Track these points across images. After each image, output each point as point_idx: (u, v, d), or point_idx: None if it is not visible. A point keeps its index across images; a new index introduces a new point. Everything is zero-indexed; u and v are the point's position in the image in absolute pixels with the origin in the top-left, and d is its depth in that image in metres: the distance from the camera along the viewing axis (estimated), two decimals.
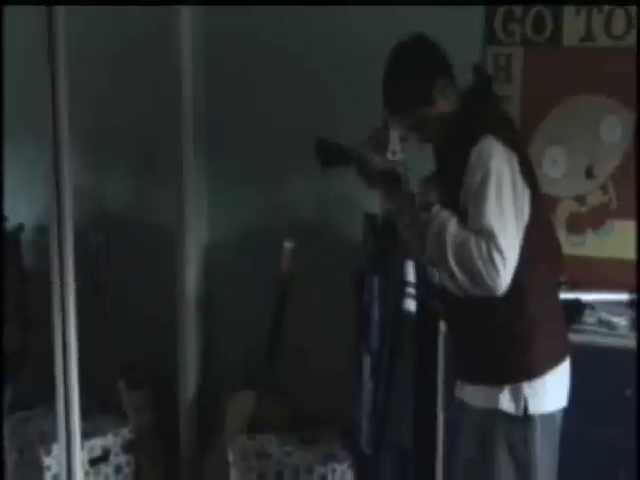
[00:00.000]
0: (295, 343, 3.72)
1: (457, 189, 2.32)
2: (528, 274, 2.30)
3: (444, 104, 2.46)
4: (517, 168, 2.31)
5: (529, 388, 2.36)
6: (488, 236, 2.22)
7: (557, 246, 2.58)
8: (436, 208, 2.34)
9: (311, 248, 3.67)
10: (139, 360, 3.92)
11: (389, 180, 2.53)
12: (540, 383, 2.37)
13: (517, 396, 2.36)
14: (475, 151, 2.28)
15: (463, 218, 2.31)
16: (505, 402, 2.37)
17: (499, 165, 2.27)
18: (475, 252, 2.22)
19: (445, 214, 2.32)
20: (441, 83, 2.45)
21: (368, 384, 3.36)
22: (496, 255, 2.20)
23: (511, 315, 2.35)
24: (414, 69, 2.48)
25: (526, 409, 2.36)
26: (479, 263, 2.21)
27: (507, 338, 2.37)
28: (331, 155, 2.65)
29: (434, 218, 2.33)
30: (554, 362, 2.42)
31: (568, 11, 3.38)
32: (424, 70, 2.48)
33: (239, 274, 3.95)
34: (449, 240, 2.27)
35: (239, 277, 3.95)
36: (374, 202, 3.34)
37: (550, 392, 2.40)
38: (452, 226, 2.29)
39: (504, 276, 2.21)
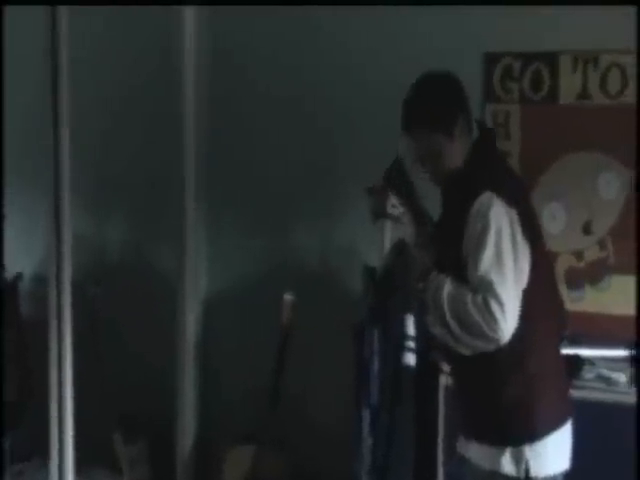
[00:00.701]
0: (295, 396, 3.69)
1: (459, 240, 2.33)
2: (529, 333, 2.29)
3: (459, 145, 2.44)
4: (517, 223, 2.32)
5: (531, 451, 2.33)
6: (485, 287, 2.22)
7: (560, 302, 2.57)
8: (433, 275, 2.36)
9: (311, 300, 3.66)
10: (136, 412, 3.88)
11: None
12: (542, 445, 2.34)
13: (519, 459, 2.34)
14: (476, 205, 2.30)
15: (464, 272, 2.32)
16: (506, 464, 2.34)
17: (498, 219, 2.28)
18: (471, 305, 2.22)
19: (441, 277, 2.34)
20: (463, 121, 2.46)
21: (368, 438, 3.33)
22: (494, 305, 2.20)
23: (513, 375, 2.34)
24: (447, 93, 2.48)
25: (527, 472, 2.33)
26: (476, 316, 2.21)
27: (509, 399, 2.34)
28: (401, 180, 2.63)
29: (431, 283, 2.34)
30: (556, 424, 2.39)
31: (564, 69, 3.45)
32: (456, 98, 2.48)
33: (239, 325, 3.94)
34: (445, 299, 2.29)
35: (239, 328, 3.94)
36: (374, 254, 3.37)
37: (552, 455, 2.37)
38: (448, 286, 2.30)
39: (505, 325, 2.20)
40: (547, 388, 2.37)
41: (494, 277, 2.23)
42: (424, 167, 2.51)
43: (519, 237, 2.31)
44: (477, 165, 2.43)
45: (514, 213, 2.31)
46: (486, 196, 2.30)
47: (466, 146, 2.46)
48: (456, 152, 2.45)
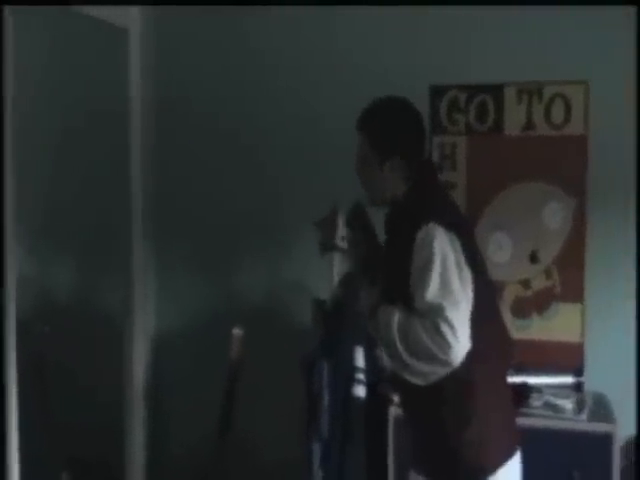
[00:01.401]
0: (245, 430, 3.65)
1: (405, 272, 2.33)
2: (473, 368, 2.28)
3: (393, 176, 2.46)
4: (460, 251, 2.33)
5: None
6: (434, 311, 2.22)
7: (505, 332, 2.55)
8: (381, 309, 2.37)
9: (261, 334, 3.64)
10: (85, 453, 3.82)
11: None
12: (493, 479, 2.34)
13: None
14: (420, 235, 2.31)
15: (412, 303, 2.33)
16: None
17: (442, 247, 2.29)
18: (421, 331, 2.23)
19: (389, 309, 2.35)
20: (416, 145, 2.49)
21: (319, 472, 3.31)
22: (444, 327, 2.20)
23: (461, 407, 2.33)
24: (405, 114, 2.49)
25: None
26: (427, 341, 2.21)
27: (459, 432, 2.33)
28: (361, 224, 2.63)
29: (380, 316, 2.36)
30: (507, 455, 2.39)
31: (509, 100, 3.49)
32: (414, 120, 2.50)
33: (188, 362, 3.91)
34: (395, 329, 2.29)
35: (188, 365, 3.91)
36: (323, 287, 3.37)
37: None
38: (397, 316, 2.31)
39: (457, 345, 2.20)
40: (496, 419, 2.36)
41: (442, 300, 2.24)
42: (360, 178, 2.52)
43: (463, 263, 2.32)
44: (419, 197, 2.44)
45: (457, 242, 2.33)
46: (429, 227, 2.31)
47: (403, 178, 2.47)
48: (388, 181, 2.47)
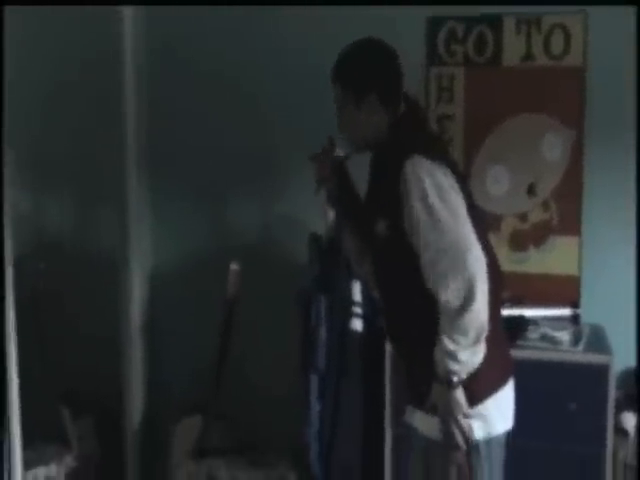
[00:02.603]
0: (242, 364, 3.68)
1: (393, 208, 2.32)
2: None
3: (371, 117, 2.44)
4: (451, 178, 2.32)
5: (472, 413, 2.32)
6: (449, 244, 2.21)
7: (497, 266, 2.51)
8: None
9: (257, 269, 3.64)
10: (83, 387, 3.85)
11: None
12: (483, 409, 2.35)
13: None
14: (405, 173, 2.28)
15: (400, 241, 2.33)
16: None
17: (432, 179, 2.27)
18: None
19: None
20: (379, 95, 2.44)
21: (316, 404, 3.35)
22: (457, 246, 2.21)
23: None
24: (369, 65, 2.47)
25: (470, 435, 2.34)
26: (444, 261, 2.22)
27: None
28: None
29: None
30: (496, 387, 2.39)
31: (508, 31, 3.44)
32: (376, 72, 2.47)
33: (184, 298, 3.92)
34: None
35: (185, 301, 3.91)
36: (319, 222, 3.35)
37: (492, 417, 2.37)
38: None
39: (472, 251, 2.21)
40: (488, 348, 2.32)
41: (452, 225, 2.23)
42: (340, 129, 2.51)
43: (457, 188, 2.32)
44: (403, 134, 2.42)
45: (447, 171, 2.32)
46: (415, 160, 2.29)
47: (384, 119, 2.44)
48: (368, 124, 2.45)
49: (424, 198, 2.25)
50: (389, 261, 2.44)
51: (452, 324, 2.22)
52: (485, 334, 2.25)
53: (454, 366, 2.24)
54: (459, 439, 2.31)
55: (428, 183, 2.26)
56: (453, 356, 2.23)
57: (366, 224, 2.48)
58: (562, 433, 2.95)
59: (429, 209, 2.25)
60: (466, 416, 2.30)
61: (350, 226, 2.66)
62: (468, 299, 2.19)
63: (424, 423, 2.44)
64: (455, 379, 2.26)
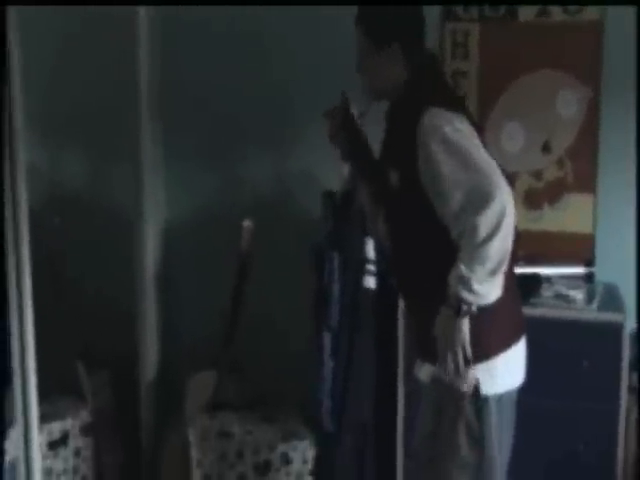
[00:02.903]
0: (255, 322, 3.70)
1: (410, 160, 2.32)
2: None
3: (392, 64, 2.44)
4: (469, 126, 2.34)
5: (480, 369, 2.36)
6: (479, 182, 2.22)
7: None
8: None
9: (270, 226, 3.64)
10: (98, 341, 3.88)
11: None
12: (492, 365, 2.37)
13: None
14: (423, 123, 2.28)
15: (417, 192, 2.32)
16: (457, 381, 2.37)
17: (452, 125, 2.27)
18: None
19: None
20: (401, 45, 2.44)
21: (329, 362, 3.36)
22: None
23: None
24: (393, 15, 2.46)
25: (477, 389, 2.37)
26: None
27: None
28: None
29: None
30: (506, 344, 2.41)
31: None
32: (410, 7, 2.49)
33: (198, 254, 3.92)
34: None
35: (198, 257, 3.92)
36: (332, 178, 3.34)
37: (502, 373, 2.40)
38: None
39: (503, 187, 2.20)
40: (499, 308, 2.35)
41: (481, 162, 2.24)
42: (361, 73, 2.50)
43: (476, 135, 2.34)
44: (421, 87, 2.42)
45: (464, 119, 2.34)
46: (433, 110, 2.29)
47: (404, 70, 2.44)
48: (388, 70, 2.45)
49: (446, 141, 2.25)
50: (402, 214, 2.46)
51: (473, 253, 2.21)
52: (503, 268, 2.24)
53: (467, 295, 2.24)
54: (456, 373, 2.33)
55: (448, 129, 2.27)
56: (467, 285, 2.22)
57: (380, 177, 2.48)
58: (575, 391, 2.96)
59: (454, 149, 2.24)
60: (468, 362, 2.31)
61: (364, 181, 2.66)
62: (496, 229, 2.18)
63: (430, 375, 2.47)
64: (464, 308, 2.26)
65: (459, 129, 2.29)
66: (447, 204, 2.26)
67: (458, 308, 2.27)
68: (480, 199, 2.19)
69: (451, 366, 2.32)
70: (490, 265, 2.21)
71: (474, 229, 2.19)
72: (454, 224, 2.27)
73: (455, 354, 2.31)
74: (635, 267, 3.27)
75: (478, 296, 2.25)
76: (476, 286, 2.22)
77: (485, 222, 2.18)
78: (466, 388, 2.35)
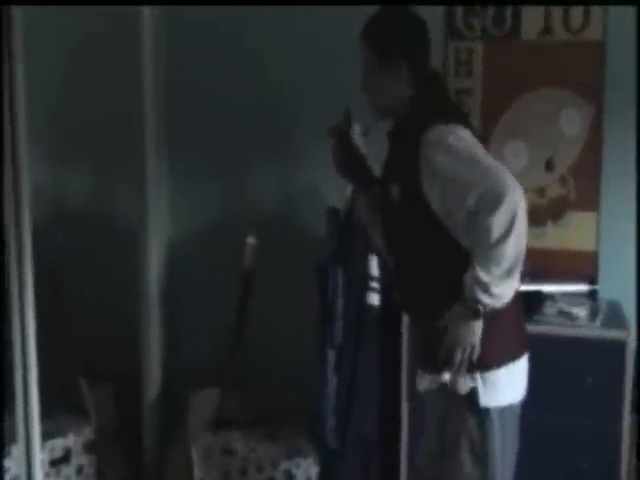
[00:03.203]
0: (259, 338, 3.70)
1: (413, 176, 2.33)
2: None
3: (398, 83, 2.45)
4: (474, 138, 2.35)
5: (482, 380, 2.36)
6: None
7: None
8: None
9: (274, 242, 3.65)
10: (101, 357, 3.88)
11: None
12: (494, 377, 2.37)
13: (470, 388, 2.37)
14: (427, 137, 2.30)
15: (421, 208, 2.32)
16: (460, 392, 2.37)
17: (455, 135, 2.29)
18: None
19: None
20: (420, 50, 2.48)
21: (332, 379, 3.36)
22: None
23: None
24: (399, 32, 2.48)
25: (479, 402, 2.36)
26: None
27: None
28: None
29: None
30: (509, 357, 2.41)
31: (527, 5, 3.41)
32: (418, 26, 2.49)
33: (201, 270, 3.93)
34: None
35: (202, 273, 3.93)
36: (337, 195, 3.35)
37: (504, 386, 2.40)
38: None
39: (514, 187, 2.21)
40: (503, 321, 2.37)
41: (491, 164, 2.26)
42: (365, 90, 2.51)
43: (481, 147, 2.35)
44: (426, 104, 2.43)
45: (469, 132, 2.35)
46: (437, 127, 2.31)
47: (408, 87, 2.45)
48: (393, 88, 2.45)
49: (451, 151, 2.27)
50: (402, 229, 2.46)
51: (488, 254, 2.22)
52: (519, 268, 2.25)
53: (484, 297, 2.25)
54: (458, 372, 2.33)
55: (451, 138, 2.29)
56: (485, 287, 2.23)
57: (379, 192, 2.50)
58: (579, 408, 2.96)
59: (460, 155, 2.26)
60: (473, 365, 2.32)
61: (361, 196, 2.67)
62: (509, 228, 2.19)
63: (432, 386, 2.47)
64: (481, 309, 2.27)
65: (462, 137, 2.30)
66: (459, 210, 2.26)
67: (475, 310, 2.27)
68: (492, 200, 2.19)
69: (456, 365, 2.33)
70: (506, 265, 2.22)
71: (487, 230, 2.19)
72: (465, 230, 2.28)
73: (464, 352, 2.32)
74: (636, 284, 3.27)
75: (495, 298, 2.26)
76: (494, 289, 2.23)
77: (498, 222, 2.19)
78: (463, 391, 2.35)
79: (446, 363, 2.35)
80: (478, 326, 2.31)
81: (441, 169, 2.27)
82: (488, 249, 2.21)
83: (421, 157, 2.30)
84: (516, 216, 2.20)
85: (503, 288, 2.25)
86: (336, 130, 2.60)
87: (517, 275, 2.27)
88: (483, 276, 2.22)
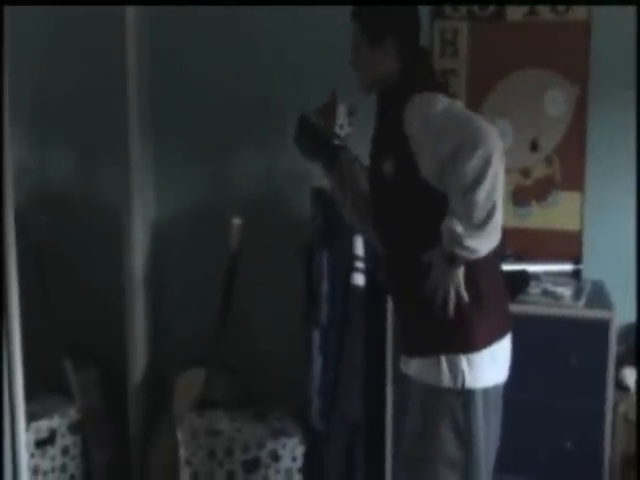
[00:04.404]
0: (244, 319, 3.70)
1: (399, 146, 2.34)
2: None
3: (385, 58, 2.46)
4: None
5: (466, 362, 2.36)
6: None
7: None
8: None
9: (259, 224, 3.65)
10: (86, 339, 3.88)
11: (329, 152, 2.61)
12: (478, 358, 2.37)
13: (454, 370, 2.36)
14: (412, 102, 2.31)
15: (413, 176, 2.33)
16: (444, 376, 2.37)
17: (440, 100, 2.31)
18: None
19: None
20: (409, 28, 2.49)
21: (318, 359, 3.36)
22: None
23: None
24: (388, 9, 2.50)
25: (464, 383, 2.37)
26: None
27: (444, 313, 2.35)
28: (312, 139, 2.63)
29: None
30: (493, 338, 2.41)
31: None
32: (408, 5, 2.52)
33: (187, 252, 3.92)
34: None
35: (187, 254, 3.92)
36: (322, 176, 3.34)
37: (488, 367, 2.40)
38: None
39: (491, 135, 2.20)
40: (485, 302, 2.38)
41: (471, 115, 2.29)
42: (354, 65, 2.52)
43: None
44: (411, 79, 2.44)
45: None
46: (422, 94, 2.33)
47: (396, 64, 2.46)
48: (381, 63, 2.47)
49: (430, 110, 2.28)
50: (394, 204, 2.46)
51: (459, 203, 2.22)
52: (494, 224, 2.23)
53: (457, 250, 2.25)
54: (444, 310, 2.34)
55: (433, 101, 2.31)
56: (457, 239, 2.23)
57: (372, 170, 2.50)
58: (563, 388, 2.97)
59: (441, 112, 2.28)
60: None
61: (330, 174, 2.68)
62: (480, 177, 2.17)
63: (416, 369, 2.47)
64: (456, 260, 2.28)
65: (442, 100, 2.32)
66: (440, 161, 2.25)
67: (450, 259, 2.28)
68: (468, 146, 2.18)
69: (439, 304, 2.34)
70: (478, 215, 2.20)
71: (460, 176, 2.19)
72: (443, 169, 2.27)
73: (448, 293, 2.32)
74: (635, 264, 3.29)
75: (467, 250, 2.25)
76: (466, 241, 2.22)
77: (471, 168, 2.17)
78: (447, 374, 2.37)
79: (433, 302, 2.35)
80: (460, 273, 2.31)
81: (424, 127, 2.28)
82: (460, 196, 2.21)
83: (405, 122, 2.31)
84: (489, 164, 2.17)
85: (476, 242, 2.24)
86: (322, 112, 2.61)
87: (492, 231, 2.24)
88: (455, 226, 2.22)
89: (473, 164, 2.17)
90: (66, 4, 3.74)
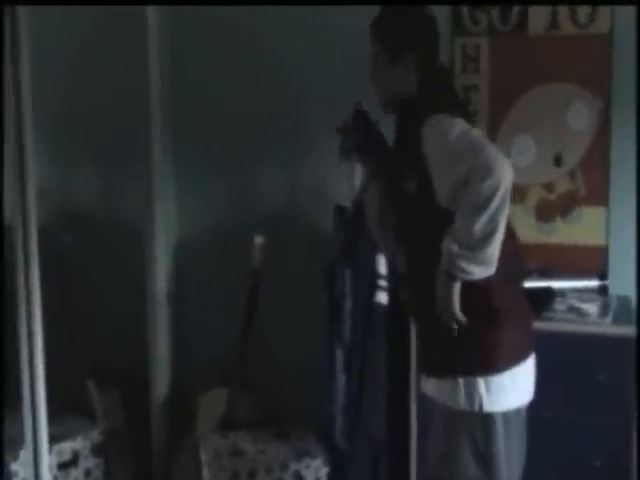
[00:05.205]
0: (267, 338, 3.68)
1: (416, 162, 2.33)
2: None
3: (404, 75, 2.47)
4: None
5: (484, 385, 2.33)
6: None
7: (516, 239, 2.52)
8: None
9: (282, 241, 3.63)
10: (108, 359, 3.87)
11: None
12: (497, 381, 2.34)
13: (472, 393, 2.34)
14: (429, 124, 2.30)
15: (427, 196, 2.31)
16: (461, 399, 2.35)
17: (454, 123, 2.30)
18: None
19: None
20: (414, 56, 2.47)
21: (341, 377, 3.34)
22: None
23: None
24: (407, 25, 2.50)
25: (481, 407, 2.34)
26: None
27: (465, 331, 2.33)
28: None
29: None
30: (513, 360, 2.38)
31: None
32: (414, 34, 2.50)
33: (209, 270, 3.92)
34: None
35: (209, 273, 3.92)
36: (344, 194, 3.33)
37: (508, 390, 2.36)
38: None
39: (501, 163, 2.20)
40: (506, 324, 2.35)
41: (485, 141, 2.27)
42: (372, 81, 2.53)
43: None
44: (429, 96, 2.43)
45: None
46: (440, 116, 2.31)
47: (414, 80, 2.46)
48: (399, 79, 2.47)
49: (451, 131, 2.27)
50: (414, 220, 2.45)
51: (459, 224, 2.22)
52: (490, 250, 2.22)
53: (451, 269, 2.26)
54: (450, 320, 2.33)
55: (454, 123, 2.29)
56: (452, 259, 2.24)
57: (393, 181, 2.49)
58: (590, 405, 2.93)
59: (460, 134, 2.27)
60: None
61: (377, 182, 2.64)
62: (485, 205, 2.17)
63: (435, 390, 2.45)
64: (455, 277, 2.28)
65: (459, 123, 2.30)
66: (452, 185, 2.25)
67: (450, 275, 2.28)
68: (479, 173, 2.18)
69: (445, 323, 2.34)
70: (473, 240, 2.20)
71: (466, 199, 2.20)
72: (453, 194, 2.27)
73: (451, 313, 2.32)
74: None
75: (460, 271, 2.25)
76: (460, 261, 2.23)
77: (475, 196, 2.18)
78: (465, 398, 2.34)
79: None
80: (456, 288, 2.30)
81: (440, 150, 2.28)
82: (461, 218, 2.22)
83: (423, 141, 2.30)
84: (494, 196, 2.17)
85: (471, 265, 2.24)
86: (348, 127, 2.61)
87: (486, 258, 2.24)
88: (452, 246, 2.23)
89: (479, 192, 2.17)
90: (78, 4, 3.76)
